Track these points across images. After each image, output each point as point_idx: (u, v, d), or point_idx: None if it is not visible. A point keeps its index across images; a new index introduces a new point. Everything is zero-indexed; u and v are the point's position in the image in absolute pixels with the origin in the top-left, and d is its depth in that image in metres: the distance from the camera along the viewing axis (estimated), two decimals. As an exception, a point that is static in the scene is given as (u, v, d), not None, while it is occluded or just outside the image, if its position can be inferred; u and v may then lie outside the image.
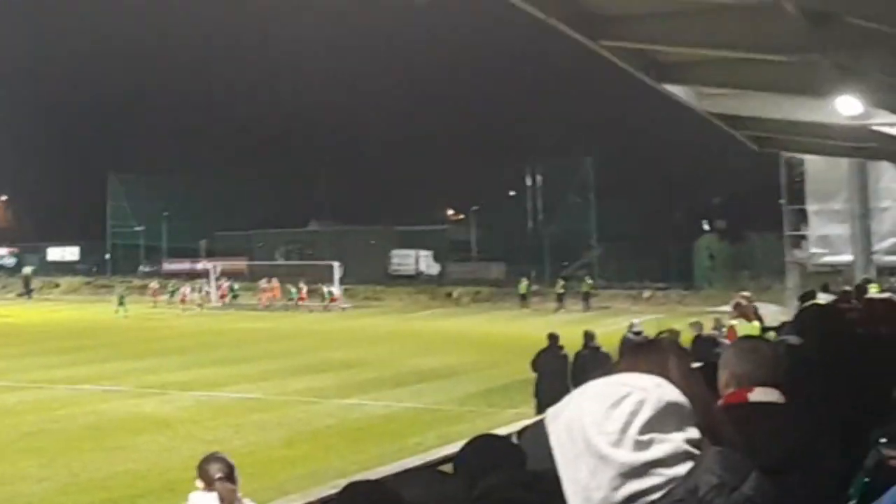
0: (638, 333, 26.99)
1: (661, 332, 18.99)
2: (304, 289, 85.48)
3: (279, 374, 38.35)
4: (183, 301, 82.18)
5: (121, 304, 76.01)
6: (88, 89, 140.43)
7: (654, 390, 2.57)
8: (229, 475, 8.75)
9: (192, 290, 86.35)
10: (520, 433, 10.46)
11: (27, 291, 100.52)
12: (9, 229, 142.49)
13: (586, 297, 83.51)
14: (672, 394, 2.60)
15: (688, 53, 16.71)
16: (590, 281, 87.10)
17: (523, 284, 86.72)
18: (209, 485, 8.65)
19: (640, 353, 3.42)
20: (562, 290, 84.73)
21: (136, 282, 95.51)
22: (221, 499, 8.58)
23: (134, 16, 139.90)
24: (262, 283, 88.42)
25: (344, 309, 79.30)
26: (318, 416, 29.31)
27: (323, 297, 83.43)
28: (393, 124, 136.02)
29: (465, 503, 5.09)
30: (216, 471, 8.69)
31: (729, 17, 14.01)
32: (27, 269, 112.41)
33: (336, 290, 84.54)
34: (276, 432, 26.65)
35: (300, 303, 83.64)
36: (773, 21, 13.26)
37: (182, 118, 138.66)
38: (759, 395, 5.20)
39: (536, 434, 3.25)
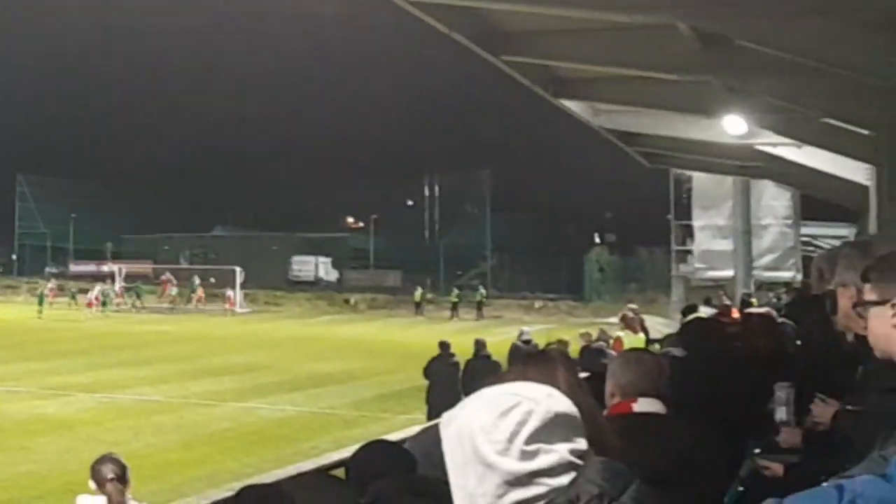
0: (527, 342, 27.05)
1: (550, 343, 19.12)
2: (200, 290, 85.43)
3: (179, 376, 38.00)
4: (90, 305, 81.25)
5: (40, 303, 74.99)
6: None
7: (543, 401, 2.54)
8: (121, 476, 8.58)
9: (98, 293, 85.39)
10: (411, 439, 10.45)
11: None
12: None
13: (479, 306, 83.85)
14: (561, 405, 2.58)
15: (585, 70, 16.85)
16: (483, 291, 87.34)
17: (418, 293, 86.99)
18: (101, 486, 8.52)
19: (530, 362, 3.47)
20: (456, 300, 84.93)
21: (42, 282, 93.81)
22: (110, 500, 8.44)
23: (46, 18, 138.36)
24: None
25: (235, 313, 78.28)
26: (215, 419, 29.07)
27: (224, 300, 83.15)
28: (298, 133, 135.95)
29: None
30: (108, 472, 8.54)
31: (626, 36, 14.13)
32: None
33: (232, 293, 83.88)
34: (174, 435, 26.40)
35: (197, 304, 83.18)
36: (668, 41, 13.40)
37: (91, 122, 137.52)
38: (643, 405, 5.21)
39: (427, 439, 3.24)
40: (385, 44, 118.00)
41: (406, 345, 51.87)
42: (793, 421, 6.26)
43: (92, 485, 8.61)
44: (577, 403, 2.80)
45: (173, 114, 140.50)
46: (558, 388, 2.92)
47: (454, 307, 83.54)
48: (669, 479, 4.61)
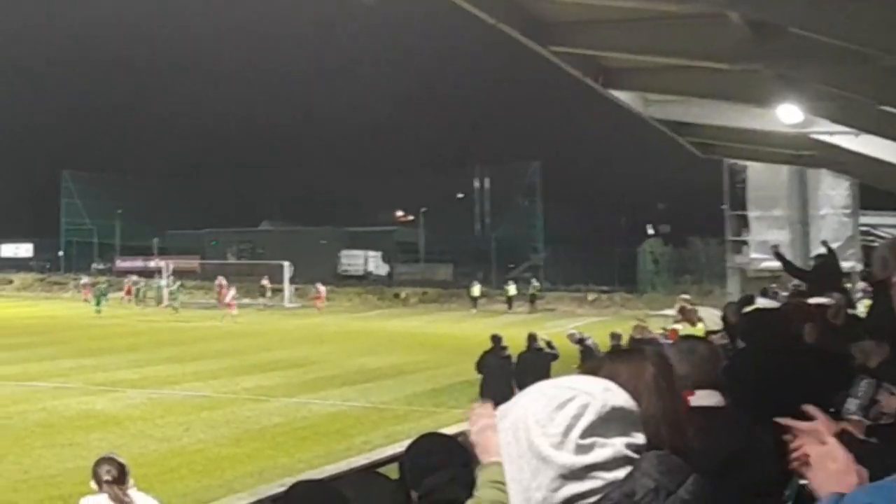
0: (581, 340, 26.84)
1: (632, 336, 19.05)
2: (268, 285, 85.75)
3: (228, 372, 38.15)
4: (129, 292, 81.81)
5: (98, 302, 75.17)
6: (45, 87, 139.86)
7: (599, 395, 2.56)
8: (118, 477, 8.80)
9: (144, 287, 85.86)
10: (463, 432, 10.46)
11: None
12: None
13: (532, 299, 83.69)
14: (618, 399, 2.59)
15: (635, 60, 16.76)
16: (536, 283, 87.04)
17: (476, 287, 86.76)
18: (100, 486, 8.75)
19: (621, 358, 3.49)
20: (513, 293, 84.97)
21: (87, 279, 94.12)
22: (112, 500, 8.64)
23: (93, 16, 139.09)
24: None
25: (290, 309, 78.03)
26: (266, 414, 29.14)
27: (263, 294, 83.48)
28: (345, 126, 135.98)
29: (399, 501, 5.07)
30: (104, 473, 8.78)
31: (676, 25, 14.04)
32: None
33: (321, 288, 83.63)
34: (224, 430, 26.46)
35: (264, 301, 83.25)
36: (718, 30, 13.30)
37: (137, 118, 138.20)
38: (701, 398, 5.20)
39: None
40: (433, 35, 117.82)
41: (457, 338, 51.93)
42: (860, 414, 6.23)
43: (93, 485, 8.85)
44: (661, 406, 2.94)
45: (220, 108, 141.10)
46: (645, 385, 3.07)
47: (510, 300, 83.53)
48: (728, 473, 4.62)
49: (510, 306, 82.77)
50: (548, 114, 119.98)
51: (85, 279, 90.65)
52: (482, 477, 3.11)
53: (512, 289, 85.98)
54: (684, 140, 25.72)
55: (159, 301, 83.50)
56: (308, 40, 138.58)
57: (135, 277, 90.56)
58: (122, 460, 9.07)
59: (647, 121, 22.95)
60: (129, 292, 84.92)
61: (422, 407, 30.92)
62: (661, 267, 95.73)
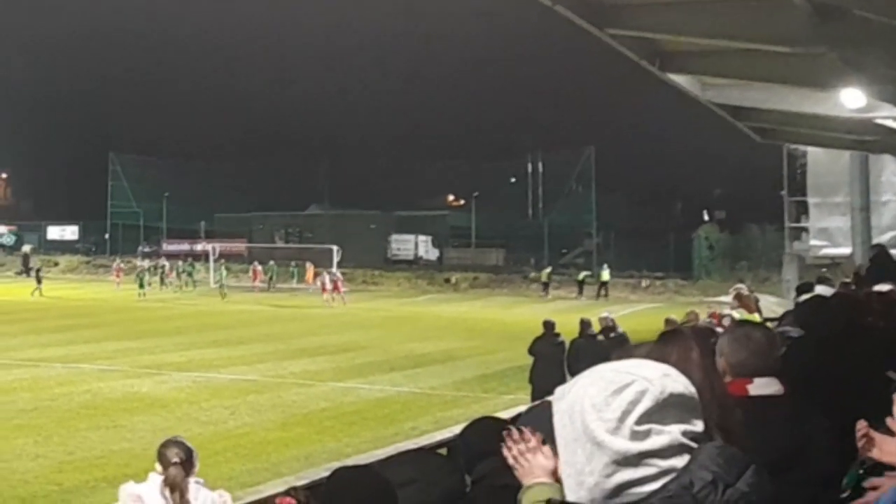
0: (611, 328, 26.47)
1: (685, 321, 18.94)
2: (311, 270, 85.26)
3: (275, 356, 38.31)
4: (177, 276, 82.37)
5: (141, 285, 75.56)
6: (91, 68, 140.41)
7: (658, 380, 2.56)
8: (186, 461, 8.75)
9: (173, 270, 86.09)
10: (520, 416, 10.46)
11: (26, 270, 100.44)
12: (8, 207, 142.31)
13: (580, 286, 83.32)
14: (678, 385, 2.60)
15: (693, 43, 16.66)
16: (607, 271, 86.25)
17: (545, 272, 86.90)
18: (165, 468, 8.69)
19: (668, 340, 3.55)
20: (581, 279, 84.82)
21: (136, 262, 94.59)
22: (168, 482, 8.59)
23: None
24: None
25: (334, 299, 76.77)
26: (313, 398, 29.23)
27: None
28: (396, 109, 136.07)
29: (455, 484, 5.07)
30: (173, 455, 8.73)
31: (735, 7, 13.96)
32: (26, 248, 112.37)
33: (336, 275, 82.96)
34: (271, 414, 26.58)
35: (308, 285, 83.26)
36: (779, 12, 13.22)
37: (184, 100, 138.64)
38: (759, 387, 5.17)
39: (538, 417, 3.27)
40: (486, 19, 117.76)
41: (508, 324, 51.99)
42: None
43: (158, 467, 8.78)
44: (709, 385, 2.93)
45: (268, 90, 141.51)
46: (694, 365, 3.10)
47: (580, 285, 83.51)
48: (789, 464, 4.61)
49: (581, 292, 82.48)
50: (603, 98, 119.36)
51: (118, 262, 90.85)
52: (526, 499, 3.16)
53: (582, 276, 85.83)
54: (742, 125, 25.56)
55: (190, 285, 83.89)
56: (358, 21, 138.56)
57: (164, 262, 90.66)
58: (190, 445, 9.02)
59: (704, 105, 22.81)
60: (168, 275, 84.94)
61: (471, 392, 30.98)
62: (716, 253, 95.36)
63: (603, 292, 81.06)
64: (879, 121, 20.70)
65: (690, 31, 15.21)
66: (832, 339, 7.36)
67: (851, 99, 17.66)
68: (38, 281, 75.38)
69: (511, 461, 3.27)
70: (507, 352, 36.50)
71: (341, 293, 69.47)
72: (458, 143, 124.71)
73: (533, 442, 3.17)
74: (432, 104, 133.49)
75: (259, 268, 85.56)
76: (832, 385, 6.17)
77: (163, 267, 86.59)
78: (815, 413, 5.29)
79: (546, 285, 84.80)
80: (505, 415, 13.91)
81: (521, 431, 3.28)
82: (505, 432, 3.35)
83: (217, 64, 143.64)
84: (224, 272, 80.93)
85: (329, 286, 70.28)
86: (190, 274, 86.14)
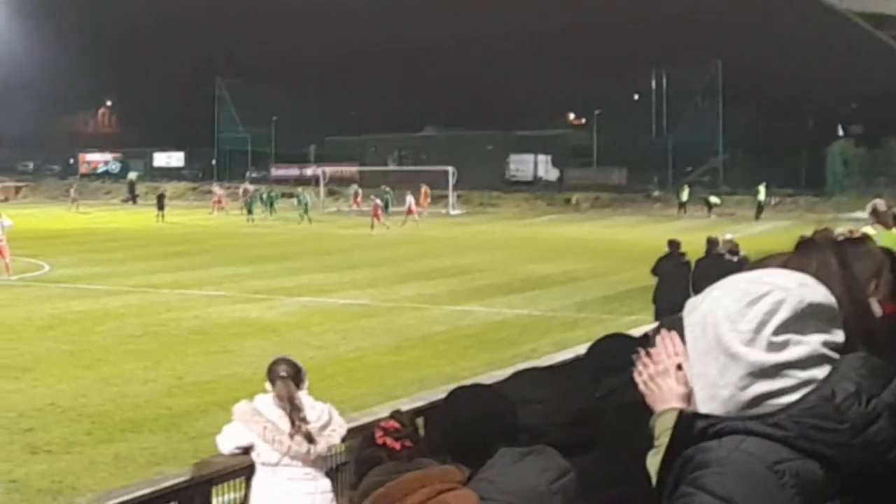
0: (734, 251, 26.05)
1: (817, 231, 18.46)
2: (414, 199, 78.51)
3: (388, 280, 38.49)
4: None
5: (250, 211, 76.36)
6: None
7: (795, 290, 2.54)
8: (293, 375, 9.06)
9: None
10: (648, 336, 10.18)
11: (132, 197, 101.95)
12: (114, 135, 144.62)
13: (709, 206, 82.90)
14: (816, 294, 2.56)
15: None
16: (715, 199, 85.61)
17: (685, 192, 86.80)
18: (273, 383, 9.03)
19: (805, 250, 3.44)
20: (687, 198, 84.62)
21: (218, 189, 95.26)
22: (279, 397, 8.90)
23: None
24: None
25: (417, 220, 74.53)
26: (427, 322, 29.35)
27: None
28: (514, 27, 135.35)
29: (582, 402, 4.89)
30: (281, 370, 9.04)
31: None
32: (132, 175, 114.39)
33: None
34: (384, 338, 26.70)
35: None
36: None
37: (292, 23, 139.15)
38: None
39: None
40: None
41: (631, 244, 52.04)
42: None
43: (267, 385, 9.10)
44: (849, 295, 2.87)
45: (380, 11, 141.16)
46: (834, 276, 3.04)
47: (684, 205, 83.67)
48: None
49: (685, 211, 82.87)
50: (730, 9, 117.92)
51: (218, 189, 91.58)
52: (660, 426, 3.12)
53: (685, 194, 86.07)
54: (884, 34, 24.88)
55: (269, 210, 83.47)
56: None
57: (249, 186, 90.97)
58: (299, 362, 9.33)
59: (839, 14, 22.18)
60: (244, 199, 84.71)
61: (593, 314, 30.89)
62: (851, 169, 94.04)
63: (759, 212, 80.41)
64: None
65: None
66: None
67: None
68: (161, 207, 76.95)
69: (641, 386, 3.20)
70: (630, 272, 36.30)
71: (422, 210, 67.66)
72: (578, 59, 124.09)
73: (663, 365, 3.06)
74: (552, 20, 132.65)
75: (360, 191, 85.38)
76: None
77: (253, 192, 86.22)
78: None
79: (684, 205, 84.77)
80: (642, 330, 13.67)
81: (650, 354, 3.18)
82: (635, 355, 3.26)
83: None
84: (308, 197, 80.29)
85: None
86: (271, 203, 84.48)
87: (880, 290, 5.15)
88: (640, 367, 3.17)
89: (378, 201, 69.99)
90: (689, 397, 2.79)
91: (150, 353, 24.32)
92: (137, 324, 28.32)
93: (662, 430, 2.99)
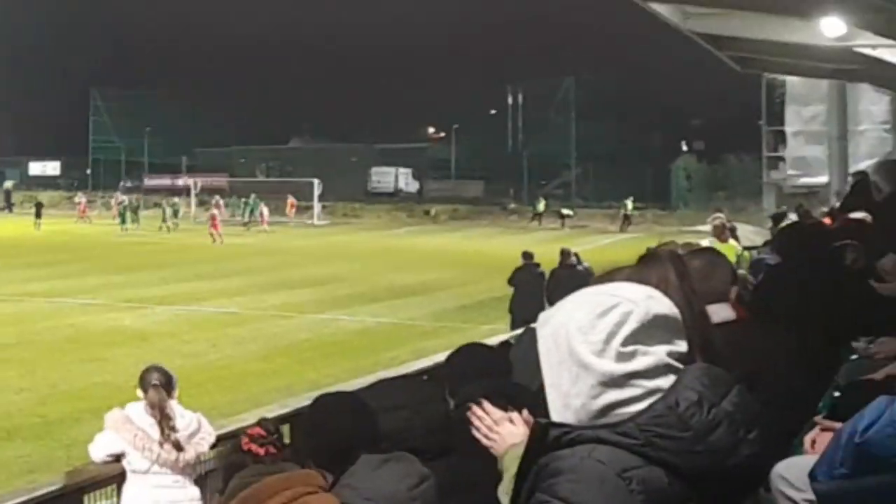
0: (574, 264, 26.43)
1: (661, 244, 18.97)
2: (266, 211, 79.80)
3: (256, 289, 38.28)
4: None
5: (123, 221, 74.87)
6: (71, 3, 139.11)
7: (643, 302, 2.60)
8: (166, 383, 9.00)
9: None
10: (505, 343, 10.50)
11: (8, 205, 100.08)
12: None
13: (562, 217, 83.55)
14: (661, 306, 2.63)
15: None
16: (567, 211, 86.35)
17: (541, 203, 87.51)
18: (146, 392, 8.95)
19: (647, 262, 3.52)
20: (543, 209, 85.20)
21: (122, 197, 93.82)
22: (151, 405, 8.85)
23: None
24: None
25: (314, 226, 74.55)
26: (293, 330, 29.35)
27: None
28: (375, 42, 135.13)
29: (439, 409, 5.08)
30: (153, 379, 8.99)
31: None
32: (8, 184, 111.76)
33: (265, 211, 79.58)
34: (252, 346, 26.67)
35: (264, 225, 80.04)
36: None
37: (164, 34, 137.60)
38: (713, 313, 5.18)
39: (526, 343, 3.30)
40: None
41: (488, 255, 52.05)
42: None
43: (139, 392, 9.03)
44: (688, 307, 2.91)
45: (248, 23, 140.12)
46: (673, 288, 3.09)
47: (539, 216, 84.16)
48: (749, 386, 4.62)
49: (539, 222, 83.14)
50: (583, 28, 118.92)
51: (82, 198, 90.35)
52: (508, 459, 3.20)
53: (541, 205, 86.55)
54: (723, 54, 25.53)
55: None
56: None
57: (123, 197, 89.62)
58: (170, 371, 9.30)
59: (684, 35, 22.75)
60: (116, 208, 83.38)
61: (451, 323, 31.00)
62: (694, 183, 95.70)
63: (627, 223, 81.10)
64: (859, 49, 20.68)
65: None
66: (807, 266, 7.35)
67: (831, 27, 17.65)
68: (38, 215, 76.46)
69: (483, 439, 3.32)
70: (487, 282, 36.61)
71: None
72: (438, 75, 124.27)
73: (497, 413, 3.23)
74: (412, 37, 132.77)
75: (221, 202, 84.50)
76: (807, 311, 6.17)
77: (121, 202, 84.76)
78: (778, 335, 5.33)
79: (540, 216, 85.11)
80: (499, 339, 14.02)
81: (482, 406, 3.34)
82: (469, 413, 3.40)
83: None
84: (168, 209, 79.17)
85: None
86: (135, 212, 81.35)
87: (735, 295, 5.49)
88: (475, 422, 3.32)
89: (215, 212, 69.15)
90: (527, 434, 2.79)
91: (24, 361, 23.97)
92: (12, 332, 27.83)
93: (511, 461, 3.08)
